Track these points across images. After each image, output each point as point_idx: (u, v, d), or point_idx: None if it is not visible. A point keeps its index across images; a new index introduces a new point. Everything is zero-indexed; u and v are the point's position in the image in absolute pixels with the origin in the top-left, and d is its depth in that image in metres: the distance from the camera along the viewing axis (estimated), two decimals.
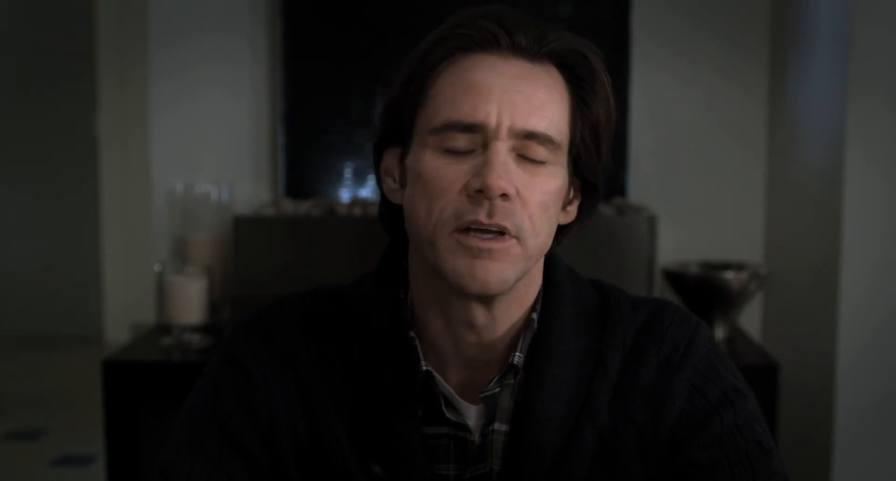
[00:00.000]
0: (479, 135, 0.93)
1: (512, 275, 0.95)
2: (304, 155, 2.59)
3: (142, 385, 2.25)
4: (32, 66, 5.56)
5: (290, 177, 2.59)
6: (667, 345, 1.02)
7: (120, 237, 5.63)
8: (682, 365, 1.01)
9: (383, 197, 1.04)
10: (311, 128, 2.59)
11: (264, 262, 2.35)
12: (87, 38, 5.26)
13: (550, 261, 1.05)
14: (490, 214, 0.92)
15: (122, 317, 5.61)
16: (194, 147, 2.65)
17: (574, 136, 0.97)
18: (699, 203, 2.77)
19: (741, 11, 2.76)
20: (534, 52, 0.95)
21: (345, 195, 2.58)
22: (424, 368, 0.99)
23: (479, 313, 0.99)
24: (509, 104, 0.93)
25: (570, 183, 1.01)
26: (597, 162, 1.00)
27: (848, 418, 2.54)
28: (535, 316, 1.02)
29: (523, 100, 0.93)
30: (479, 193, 0.92)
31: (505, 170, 0.92)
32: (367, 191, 2.59)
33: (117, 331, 5.57)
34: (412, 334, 1.01)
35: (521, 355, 1.00)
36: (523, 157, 0.94)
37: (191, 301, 2.37)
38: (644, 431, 0.99)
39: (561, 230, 1.03)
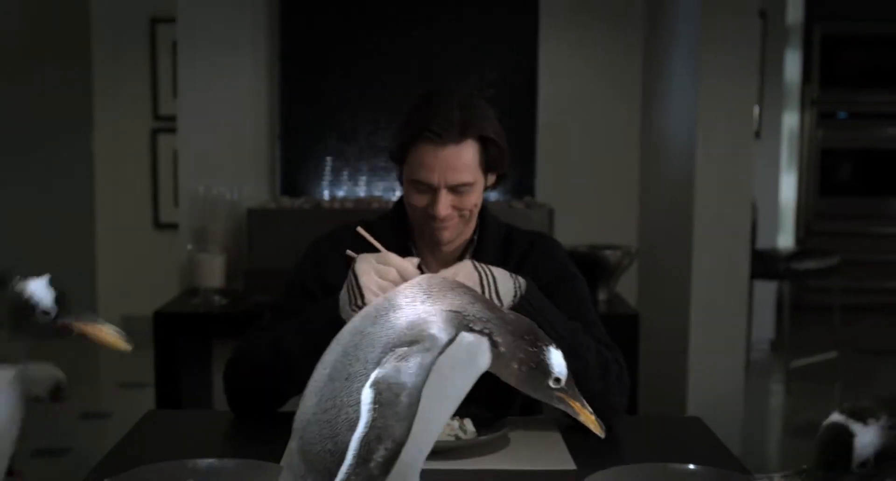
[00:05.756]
0: (431, 185, 1.74)
1: (457, 234, 1.83)
2: (295, 164, 3.45)
3: (179, 329, 3.08)
4: (36, 96, 6.16)
5: (284, 181, 3.45)
6: (541, 250, 1.91)
7: (113, 241, 6.31)
8: (551, 258, 1.90)
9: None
10: (302, 143, 3.45)
11: (269, 243, 3.19)
12: (87, 75, 5.88)
13: (486, 215, 1.91)
14: (443, 220, 1.76)
15: (114, 309, 6.31)
16: (211, 158, 3.47)
17: (484, 164, 1.81)
18: (588, 199, 3.64)
19: (622, 57, 3.65)
20: (458, 139, 1.72)
21: (326, 194, 3.45)
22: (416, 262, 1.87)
23: (442, 246, 1.86)
24: (443, 174, 1.72)
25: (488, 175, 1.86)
26: (503, 163, 1.85)
27: (698, 354, 3.43)
28: (475, 239, 1.90)
29: (451, 169, 1.72)
30: (434, 215, 1.76)
31: (445, 204, 1.73)
32: (344, 190, 3.46)
33: (110, 323, 6.26)
34: (411, 244, 1.88)
35: (469, 258, 1.87)
36: (455, 189, 1.75)
37: (213, 271, 3.20)
38: None
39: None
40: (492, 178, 1.85)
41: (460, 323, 1.10)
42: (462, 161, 1.74)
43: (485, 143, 1.76)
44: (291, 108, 3.45)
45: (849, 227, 7.11)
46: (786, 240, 7.01)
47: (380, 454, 1.00)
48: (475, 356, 1.13)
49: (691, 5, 3.41)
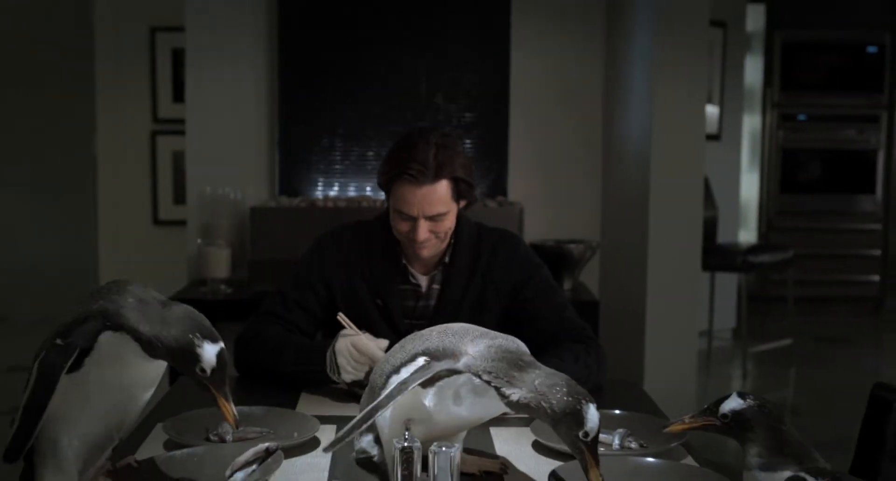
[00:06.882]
0: (412, 216, 2.07)
1: (436, 252, 2.18)
2: (292, 167, 3.83)
3: None
4: (41, 101, 6.37)
5: (282, 183, 3.83)
6: (507, 249, 2.24)
7: (114, 238, 6.55)
8: (516, 255, 2.23)
9: None
10: (298, 149, 3.83)
11: (269, 237, 3.56)
12: (90, 80, 6.07)
13: (460, 219, 2.23)
14: (422, 243, 2.10)
15: None
16: (217, 161, 3.82)
17: (456, 196, 2.13)
18: (555, 198, 4.00)
19: (585, 66, 4.00)
20: (434, 178, 2.04)
21: (320, 194, 3.83)
22: (403, 262, 2.23)
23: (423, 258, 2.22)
24: (421, 207, 2.04)
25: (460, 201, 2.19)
26: (472, 194, 2.20)
27: (653, 338, 3.81)
28: (452, 242, 2.22)
29: (427, 203, 2.04)
30: (414, 239, 2.10)
31: (424, 230, 2.06)
32: (335, 191, 3.84)
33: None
34: (399, 249, 2.22)
35: (447, 260, 2.22)
36: (432, 218, 2.07)
37: (220, 263, 3.57)
38: (500, 287, 2.20)
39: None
40: (463, 203, 2.19)
41: (474, 368, 1.35)
42: (437, 197, 2.08)
43: (456, 181, 2.10)
44: (289, 116, 3.82)
45: (808, 223, 7.49)
46: (748, 235, 7.39)
47: (374, 409, 1.39)
48: (474, 392, 1.37)
49: (646, 16, 3.77)
